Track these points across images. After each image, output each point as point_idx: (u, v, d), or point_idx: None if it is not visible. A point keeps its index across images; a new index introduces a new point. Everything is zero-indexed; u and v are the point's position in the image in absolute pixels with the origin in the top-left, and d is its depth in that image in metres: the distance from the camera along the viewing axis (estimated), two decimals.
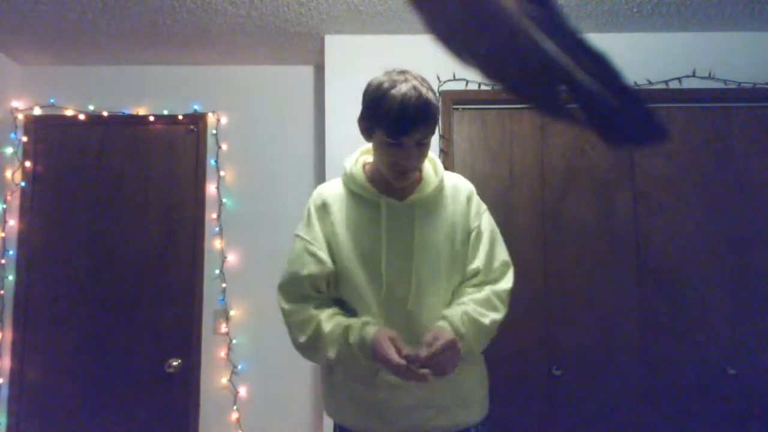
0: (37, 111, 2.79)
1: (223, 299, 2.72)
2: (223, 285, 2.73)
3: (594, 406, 2.38)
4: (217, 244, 2.75)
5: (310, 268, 1.34)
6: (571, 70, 0.53)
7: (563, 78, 0.53)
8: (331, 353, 1.28)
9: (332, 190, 1.42)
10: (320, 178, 2.74)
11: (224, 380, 2.67)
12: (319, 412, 2.63)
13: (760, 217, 2.46)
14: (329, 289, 1.38)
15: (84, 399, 2.66)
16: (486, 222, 1.44)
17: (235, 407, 2.65)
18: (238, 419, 2.64)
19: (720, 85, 2.50)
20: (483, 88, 2.47)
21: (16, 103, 2.79)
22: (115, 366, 2.68)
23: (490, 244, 1.41)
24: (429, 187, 1.38)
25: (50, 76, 2.84)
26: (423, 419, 1.32)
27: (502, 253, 1.43)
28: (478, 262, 1.38)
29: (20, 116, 2.79)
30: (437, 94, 1.41)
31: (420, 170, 1.41)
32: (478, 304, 1.33)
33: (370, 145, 1.39)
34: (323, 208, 1.40)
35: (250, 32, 2.51)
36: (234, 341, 2.70)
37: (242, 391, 2.67)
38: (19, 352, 2.67)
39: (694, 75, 2.50)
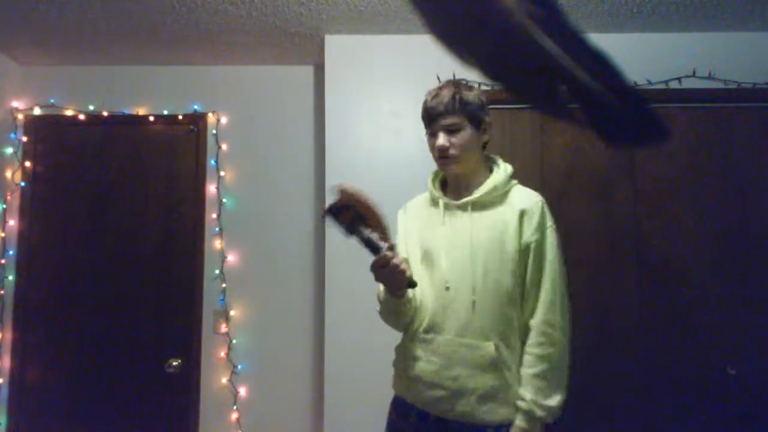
0: (37, 111, 2.79)
1: (223, 299, 2.72)
2: (223, 285, 2.73)
3: (594, 406, 2.38)
4: (217, 244, 2.75)
5: None
6: (571, 70, 0.53)
7: (564, 78, 0.53)
8: (380, 307, 1.57)
9: (417, 198, 1.71)
10: (320, 177, 2.74)
11: (224, 380, 2.67)
12: (319, 412, 2.63)
13: (760, 217, 2.46)
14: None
15: (84, 399, 2.66)
16: (543, 238, 1.53)
17: (235, 407, 2.65)
18: (238, 419, 2.64)
19: (720, 85, 2.50)
20: (483, 88, 2.46)
21: (16, 103, 2.79)
22: (115, 366, 2.68)
23: (538, 260, 1.50)
24: (482, 192, 1.53)
25: (50, 76, 2.84)
26: (432, 398, 1.45)
27: (551, 270, 1.49)
28: (528, 278, 1.49)
29: (20, 116, 2.79)
30: (478, 91, 1.52)
31: (479, 170, 1.59)
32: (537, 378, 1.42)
33: None
34: (404, 211, 1.70)
35: (250, 32, 2.51)
36: (234, 341, 2.70)
37: (242, 391, 2.67)
38: (19, 352, 2.67)
39: (694, 75, 2.49)
